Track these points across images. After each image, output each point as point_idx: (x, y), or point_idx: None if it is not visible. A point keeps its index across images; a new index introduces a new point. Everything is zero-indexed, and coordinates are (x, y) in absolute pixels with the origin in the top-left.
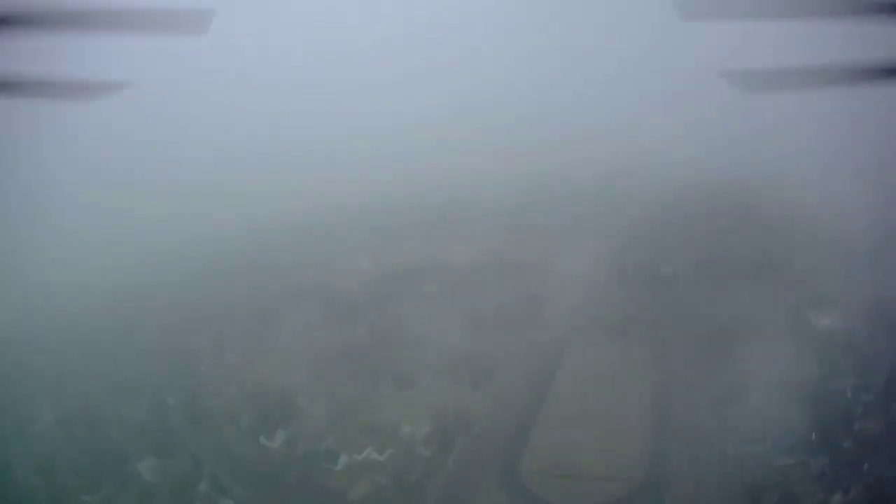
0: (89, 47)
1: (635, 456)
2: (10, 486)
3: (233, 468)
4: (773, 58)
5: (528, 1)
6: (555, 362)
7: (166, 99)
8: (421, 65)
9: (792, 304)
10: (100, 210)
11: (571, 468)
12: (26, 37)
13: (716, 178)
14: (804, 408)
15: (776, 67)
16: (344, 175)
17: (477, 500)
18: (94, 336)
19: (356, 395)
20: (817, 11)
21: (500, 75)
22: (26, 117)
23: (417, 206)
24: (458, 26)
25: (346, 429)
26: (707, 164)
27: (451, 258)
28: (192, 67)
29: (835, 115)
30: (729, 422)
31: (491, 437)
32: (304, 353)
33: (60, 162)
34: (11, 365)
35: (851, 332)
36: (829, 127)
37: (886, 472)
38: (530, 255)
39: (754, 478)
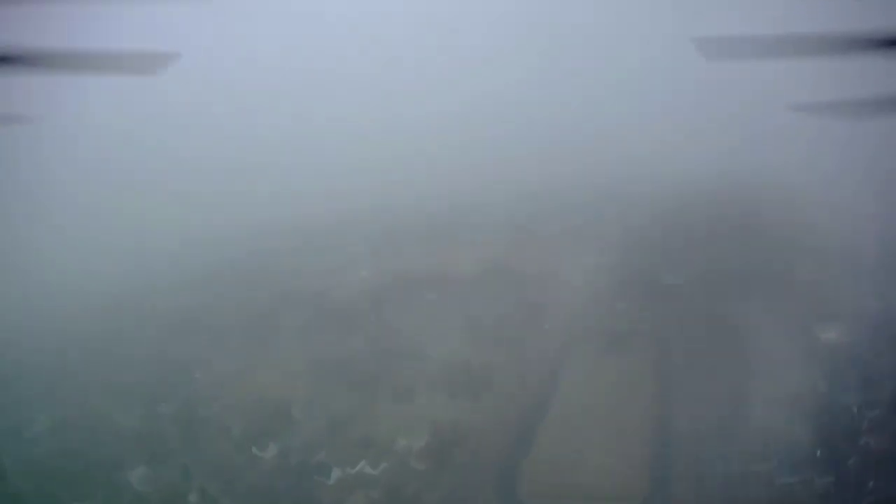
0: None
1: (636, 472)
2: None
3: (224, 479)
4: (780, 65)
5: (530, 9)
6: (555, 375)
7: (164, 101)
8: (423, 72)
9: (796, 317)
10: (97, 213)
11: (570, 485)
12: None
13: (720, 187)
14: (809, 423)
15: (783, 74)
16: (344, 181)
17: None
18: (88, 340)
19: (351, 407)
20: (825, 47)
21: (502, 83)
22: (25, 117)
23: (418, 213)
24: (460, 34)
25: (341, 441)
26: (711, 173)
27: (451, 267)
28: (191, 70)
29: (842, 125)
30: (732, 438)
31: (488, 452)
32: (299, 363)
33: (58, 164)
34: (5, 367)
35: (857, 346)
36: (836, 136)
37: (892, 490)
38: (532, 265)
39: (758, 496)
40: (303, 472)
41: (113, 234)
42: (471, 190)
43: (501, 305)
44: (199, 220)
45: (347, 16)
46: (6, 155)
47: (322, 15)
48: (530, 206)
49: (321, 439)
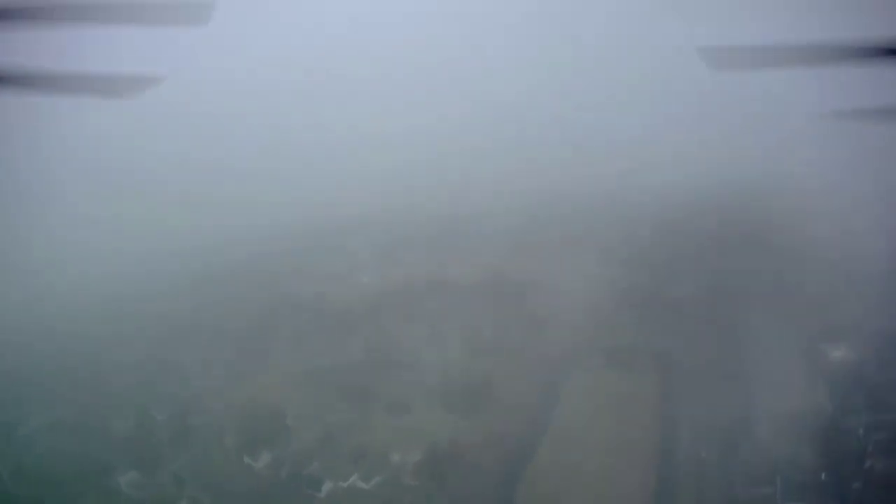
0: (89, 45)
1: (636, 494)
2: None
3: (215, 488)
4: (788, 74)
5: (538, 20)
6: (555, 391)
7: (165, 104)
8: (428, 79)
9: (803, 333)
10: (94, 216)
11: None
12: (25, 30)
13: (726, 198)
14: (813, 445)
15: (791, 83)
16: (348, 186)
17: None
18: (84, 343)
19: (346, 418)
20: (830, 56)
21: (509, 92)
22: (24, 118)
23: (421, 219)
24: (468, 44)
25: (334, 453)
26: (717, 182)
27: (452, 275)
28: (192, 72)
29: (850, 133)
30: (735, 460)
31: (485, 469)
32: (295, 370)
33: (58, 167)
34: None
35: (865, 365)
36: (844, 146)
37: None
38: (534, 275)
39: None
40: (294, 484)
41: (112, 237)
42: (474, 197)
43: (502, 316)
44: (199, 224)
45: (356, 22)
46: (8, 157)
47: (330, 21)
48: (534, 214)
49: (314, 450)
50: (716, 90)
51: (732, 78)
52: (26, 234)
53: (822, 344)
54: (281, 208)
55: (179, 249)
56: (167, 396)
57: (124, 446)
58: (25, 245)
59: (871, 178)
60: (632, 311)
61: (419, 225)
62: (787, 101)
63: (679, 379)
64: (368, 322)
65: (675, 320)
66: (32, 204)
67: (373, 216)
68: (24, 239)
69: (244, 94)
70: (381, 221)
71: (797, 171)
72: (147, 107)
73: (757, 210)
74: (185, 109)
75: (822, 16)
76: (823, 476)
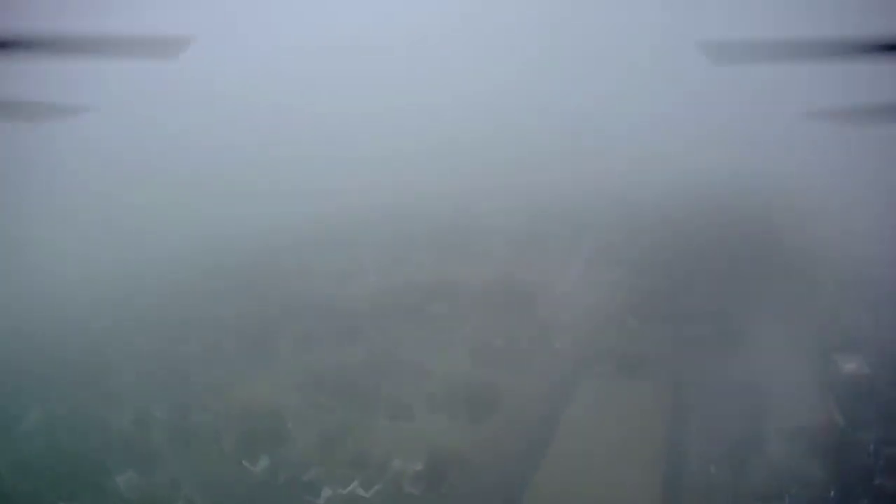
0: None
1: None
2: None
3: (210, 491)
4: (791, 71)
5: (544, 17)
6: (563, 400)
7: (172, 102)
8: (442, 82)
9: (815, 345)
10: (100, 213)
11: None
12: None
13: (738, 201)
14: (823, 460)
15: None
16: (360, 180)
17: None
18: (85, 339)
19: (347, 422)
20: (831, 52)
21: (521, 94)
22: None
23: (432, 220)
24: (478, 45)
25: (334, 459)
26: (728, 186)
27: (461, 278)
28: (206, 67)
29: (864, 143)
30: (744, 474)
31: (488, 480)
32: (298, 373)
33: (62, 164)
34: (1, 362)
35: (877, 379)
36: (845, 147)
37: None
38: (544, 279)
39: None
40: (292, 490)
41: (116, 230)
42: (486, 199)
43: (510, 322)
44: (205, 219)
45: (369, 16)
46: (15, 146)
47: (338, 20)
48: (546, 218)
49: (314, 455)
50: (717, 86)
51: (733, 73)
52: (28, 226)
53: (835, 356)
54: (289, 207)
55: (185, 244)
56: (167, 395)
57: (123, 444)
58: (26, 238)
59: (875, 178)
60: (640, 319)
61: (431, 225)
62: (791, 97)
63: (688, 390)
64: (374, 324)
65: (682, 329)
66: (36, 199)
67: (385, 213)
68: (26, 231)
69: (252, 89)
70: (393, 219)
71: (807, 170)
72: (157, 102)
73: (765, 213)
74: (193, 107)
75: (822, 11)
76: (832, 493)
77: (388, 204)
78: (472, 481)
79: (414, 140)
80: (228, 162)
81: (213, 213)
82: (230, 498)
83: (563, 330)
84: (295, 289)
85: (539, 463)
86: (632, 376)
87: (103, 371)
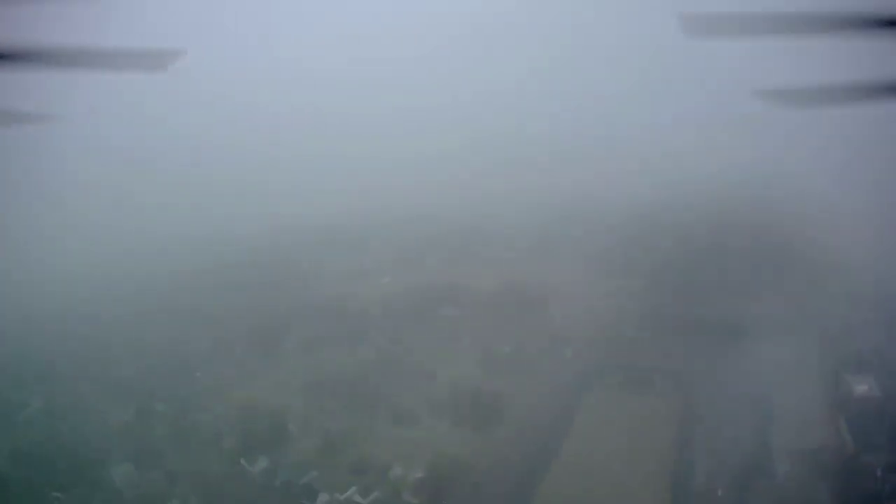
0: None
1: None
2: None
3: (206, 488)
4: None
5: (554, 26)
6: (569, 412)
7: (184, 91)
8: (454, 84)
9: (826, 364)
10: (111, 203)
11: None
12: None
13: (742, 207)
14: (829, 483)
15: (800, 87)
16: (368, 185)
17: None
18: (90, 329)
19: (349, 426)
20: (821, 28)
21: (533, 96)
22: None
23: (445, 222)
24: (493, 47)
25: (333, 463)
26: (741, 194)
27: (472, 281)
28: (211, 61)
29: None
30: (750, 497)
31: (489, 492)
32: (303, 374)
33: (69, 159)
34: (4, 351)
35: (888, 402)
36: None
37: None
38: (554, 287)
39: None
40: (288, 493)
41: (125, 225)
42: (499, 204)
43: (519, 328)
44: (217, 214)
45: (378, 16)
46: (20, 145)
47: (349, 22)
48: (559, 225)
49: (313, 459)
50: (728, 85)
51: (743, 73)
52: (38, 221)
53: (846, 376)
54: (301, 205)
55: (194, 241)
56: (171, 391)
57: (122, 438)
58: (37, 233)
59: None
60: (647, 329)
61: (444, 228)
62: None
63: (697, 405)
64: (383, 326)
65: (692, 342)
66: (44, 193)
67: (398, 215)
68: (30, 222)
69: (263, 86)
70: (407, 221)
71: (813, 171)
72: (164, 94)
73: (778, 220)
74: (204, 98)
75: None
76: None
77: (399, 206)
78: (474, 492)
79: (426, 143)
80: (241, 160)
81: (224, 211)
82: (225, 497)
83: (572, 338)
84: (304, 289)
85: (542, 477)
86: (640, 391)
87: (109, 363)
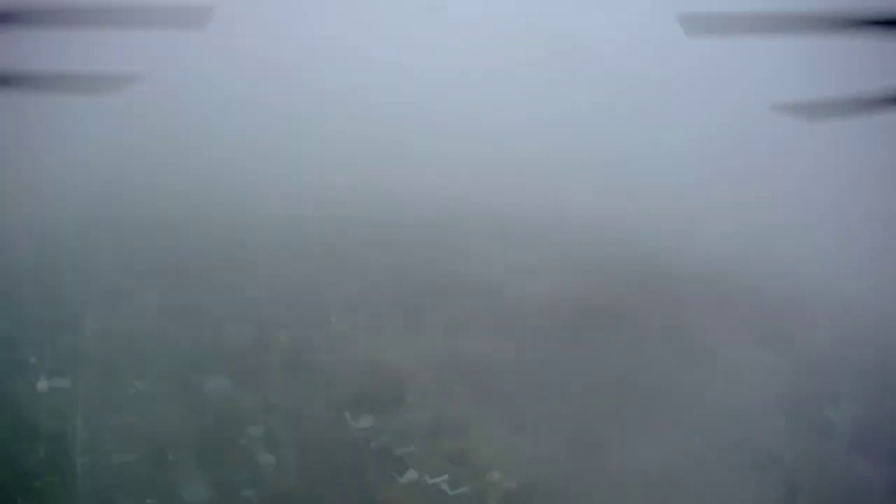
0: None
1: None
2: None
3: (299, 427)
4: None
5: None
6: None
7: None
8: (471, 92)
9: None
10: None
11: None
12: (28, 33)
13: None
14: None
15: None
16: (546, 183)
17: None
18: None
19: (466, 417)
20: (821, 28)
21: (546, 110)
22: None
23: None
24: (510, 58)
25: (435, 446)
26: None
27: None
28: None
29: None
30: None
31: None
32: (440, 350)
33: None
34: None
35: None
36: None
37: None
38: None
39: None
40: (379, 458)
41: (290, 174)
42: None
43: None
44: (391, 175)
45: (384, 16)
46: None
47: (353, 19)
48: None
49: (418, 435)
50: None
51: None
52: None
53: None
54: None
55: (353, 190)
56: (298, 324)
57: (232, 354)
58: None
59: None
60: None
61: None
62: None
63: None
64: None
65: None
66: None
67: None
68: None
69: (262, 85)
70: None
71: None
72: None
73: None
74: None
75: None
76: None
77: (574, 208)
78: None
79: (606, 149)
80: (241, 155)
81: (399, 173)
82: (314, 441)
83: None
84: (465, 272)
85: None
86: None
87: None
